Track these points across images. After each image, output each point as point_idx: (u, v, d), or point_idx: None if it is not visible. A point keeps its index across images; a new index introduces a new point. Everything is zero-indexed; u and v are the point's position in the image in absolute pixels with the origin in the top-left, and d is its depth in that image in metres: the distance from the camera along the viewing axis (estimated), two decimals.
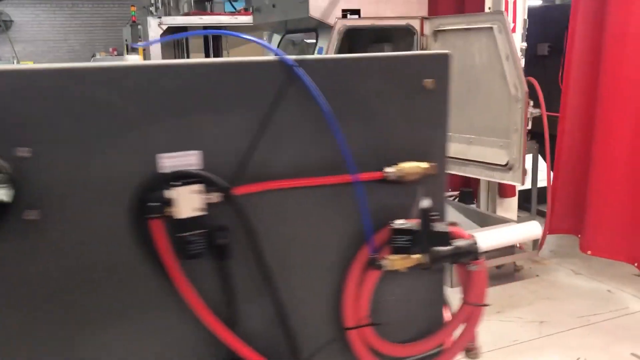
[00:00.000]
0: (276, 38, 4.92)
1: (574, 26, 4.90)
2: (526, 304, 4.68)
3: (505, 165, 4.22)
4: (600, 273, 5.14)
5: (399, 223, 1.62)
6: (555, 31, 6.02)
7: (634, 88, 4.47)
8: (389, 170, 1.65)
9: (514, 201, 5.54)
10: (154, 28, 5.13)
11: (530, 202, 6.26)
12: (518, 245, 5.35)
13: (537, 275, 5.20)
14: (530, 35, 6.21)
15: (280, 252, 1.62)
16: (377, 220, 1.63)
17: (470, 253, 1.75)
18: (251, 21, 5.37)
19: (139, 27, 5.28)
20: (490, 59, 4.24)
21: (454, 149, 4.57)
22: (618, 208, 4.70)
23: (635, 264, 4.73)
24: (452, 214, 5.71)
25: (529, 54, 6.31)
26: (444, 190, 1.77)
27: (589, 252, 4.95)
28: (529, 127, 5.57)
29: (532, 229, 4.90)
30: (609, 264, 5.04)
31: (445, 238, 1.66)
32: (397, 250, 1.62)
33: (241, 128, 1.52)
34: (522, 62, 5.31)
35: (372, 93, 1.62)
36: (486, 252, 4.75)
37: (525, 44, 5.27)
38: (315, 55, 1.60)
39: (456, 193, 6.15)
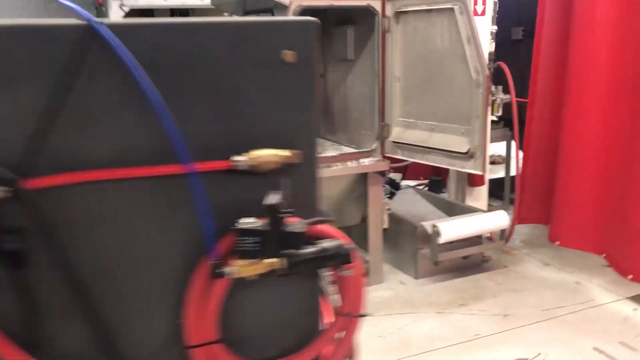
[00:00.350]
0: None
1: (542, 10, 4.53)
2: (491, 296, 4.35)
3: (467, 153, 3.87)
4: (570, 264, 4.79)
5: (245, 222, 1.29)
6: (530, 15, 5.63)
7: (602, 74, 4.11)
8: (238, 159, 1.31)
9: (483, 190, 5.19)
10: (115, 10, 4.80)
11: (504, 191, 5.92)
12: (489, 235, 5.02)
13: (506, 266, 4.86)
14: (505, 19, 5.83)
15: (102, 259, 1.28)
16: (226, 219, 1.30)
17: (340, 256, 1.42)
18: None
19: (104, 9, 4.96)
20: (451, 41, 3.87)
21: (417, 136, 4.23)
22: (586, 198, 4.35)
23: (604, 255, 4.39)
24: (421, 202, 5.37)
25: (503, 37, 5.93)
26: (316, 181, 1.43)
27: (558, 242, 4.62)
28: (500, 113, 5.22)
29: (499, 218, 4.57)
30: (580, 254, 4.69)
31: (301, 239, 1.32)
32: (243, 255, 1.29)
33: (34, 107, 1.18)
34: (493, 45, 4.95)
35: (218, 66, 1.28)
36: (451, 242, 4.43)
37: (495, 27, 4.90)
38: (135, 19, 1.30)
39: (426, 181, 5.81)
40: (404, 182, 6.18)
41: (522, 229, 5.40)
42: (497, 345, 3.71)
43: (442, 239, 4.33)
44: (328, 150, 4.51)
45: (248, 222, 1.28)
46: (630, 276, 4.05)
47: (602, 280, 4.48)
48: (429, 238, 4.40)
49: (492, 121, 5.48)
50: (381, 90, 4.28)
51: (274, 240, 1.27)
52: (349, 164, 4.23)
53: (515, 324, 3.93)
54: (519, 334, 3.82)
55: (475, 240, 4.65)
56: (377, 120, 4.28)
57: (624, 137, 4.02)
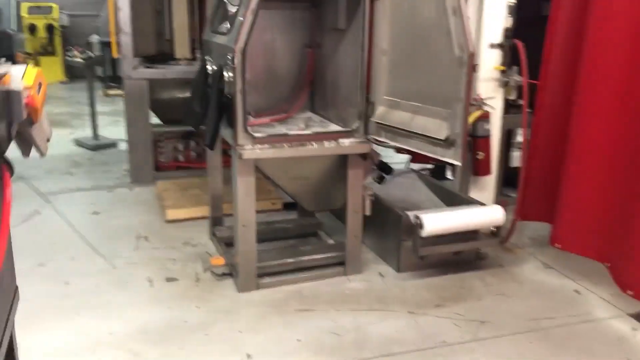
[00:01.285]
0: None
1: None
2: (474, 299, 3.92)
3: (446, 140, 3.43)
4: (575, 269, 4.27)
5: None
6: None
7: (619, 62, 3.55)
8: None
9: (489, 180, 4.71)
10: None
11: None
12: (494, 229, 4.58)
13: (502, 266, 4.40)
14: None
15: None
16: None
17: None
18: None
19: None
20: (437, 13, 3.41)
21: (399, 117, 3.80)
22: (592, 200, 3.82)
23: (608, 265, 3.87)
24: (420, 189, 4.94)
25: (532, 13, 5.34)
26: None
27: (558, 245, 4.12)
28: (513, 97, 4.71)
29: (492, 214, 4.11)
30: (588, 259, 4.17)
31: None
32: None
33: None
34: (509, 20, 4.43)
35: None
36: (442, 235, 4.01)
37: (514, 0, 4.38)
38: None
39: (431, 166, 5.34)
40: (412, 165, 5.75)
41: (534, 225, 4.89)
42: (460, 356, 3.32)
43: (424, 232, 3.92)
44: (314, 126, 4.15)
45: None
46: (630, 292, 3.54)
47: (606, 291, 3.97)
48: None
49: (511, 105, 4.97)
50: (367, 65, 3.86)
51: None
52: (326, 144, 3.86)
53: (490, 334, 3.52)
54: (489, 346, 3.41)
55: (470, 235, 4.21)
56: (360, 97, 3.88)
57: (638, 136, 3.47)
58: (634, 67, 3.47)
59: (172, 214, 5.08)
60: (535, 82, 4.24)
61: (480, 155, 4.56)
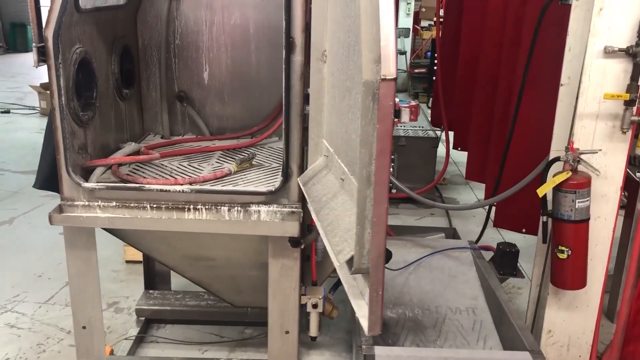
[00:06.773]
0: None
1: None
2: None
3: (351, 264, 1.52)
4: None
5: None
6: None
7: None
8: None
9: (585, 296, 2.56)
10: None
11: None
12: None
13: None
14: None
15: None
16: None
17: None
18: None
19: None
20: None
21: (323, 188, 1.94)
22: None
23: None
24: (467, 286, 2.92)
25: None
26: None
27: None
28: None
29: None
30: None
31: None
32: None
33: None
34: None
35: None
36: None
37: None
38: None
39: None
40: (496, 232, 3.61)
41: None
42: None
43: None
44: (253, 170, 2.48)
45: None
46: None
47: None
48: None
49: None
50: (301, 77, 2.07)
51: None
52: (225, 211, 2.17)
53: None
54: None
55: None
56: (285, 137, 2.10)
57: None
58: None
59: (131, 253, 3.76)
60: None
61: (565, 252, 2.43)
